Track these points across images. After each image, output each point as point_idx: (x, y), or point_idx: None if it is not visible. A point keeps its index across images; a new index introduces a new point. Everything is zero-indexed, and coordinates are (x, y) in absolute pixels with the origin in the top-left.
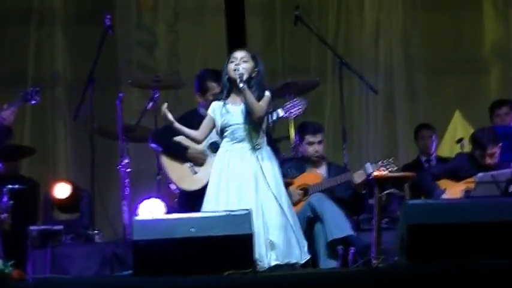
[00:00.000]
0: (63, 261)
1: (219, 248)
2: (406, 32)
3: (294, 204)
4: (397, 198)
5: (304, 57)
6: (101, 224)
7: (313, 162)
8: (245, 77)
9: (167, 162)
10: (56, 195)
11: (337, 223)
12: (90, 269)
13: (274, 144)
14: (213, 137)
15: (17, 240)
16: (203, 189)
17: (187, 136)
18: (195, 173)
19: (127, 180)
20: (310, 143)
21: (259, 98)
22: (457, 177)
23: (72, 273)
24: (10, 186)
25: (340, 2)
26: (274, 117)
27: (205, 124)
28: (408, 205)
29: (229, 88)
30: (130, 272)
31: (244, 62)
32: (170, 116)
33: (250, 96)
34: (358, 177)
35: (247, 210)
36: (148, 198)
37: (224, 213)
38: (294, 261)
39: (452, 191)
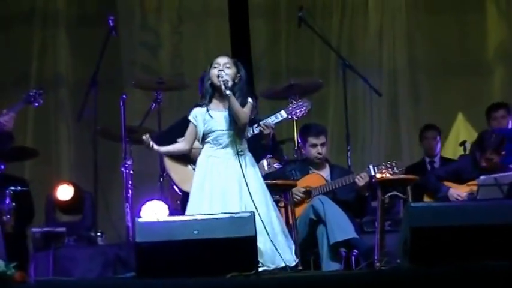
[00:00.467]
0: (66, 263)
1: (222, 250)
2: (409, 34)
3: (297, 205)
4: (400, 201)
5: (307, 59)
6: (103, 226)
7: (316, 164)
8: (230, 83)
9: (170, 164)
10: (58, 197)
11: (340, 225)
12: (93, 271)
13: (277, 146)
14: None
15: (16, 241)
16: None
17: (174, 152)
18: None
19: (130, 182)
20: (313, 145)
21: (242, 104)
22: (460, 179)
23: (75, 276)
24: (13, 188)
25: (344, 4)
26: (277, 119)
27: (189, 132)
28: (411, 207)
29: (212, 94)
30: (133, 274)
31: (227, 68)
32: (153, 144)
33: (236, 103)
34: (361, 179)
35: (250, 212)
36: (151, 200)
37: (227, 216)
38: (282, 265)
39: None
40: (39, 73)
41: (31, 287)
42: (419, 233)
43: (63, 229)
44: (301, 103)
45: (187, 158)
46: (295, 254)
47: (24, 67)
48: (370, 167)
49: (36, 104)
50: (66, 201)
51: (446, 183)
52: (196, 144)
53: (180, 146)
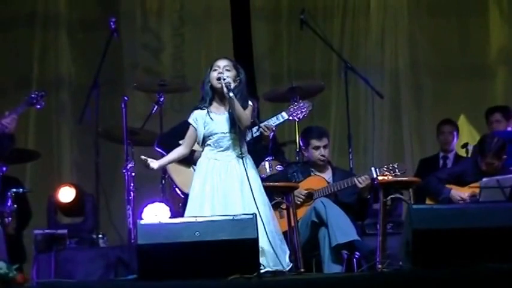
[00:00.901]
0: (68, 266)
1: (223, 253)
2: (411, 37)
3: (299, 207)
4: (402, 203)
5: (309, 61)
6: (105, 228)
7: (318, 166)
8: (232, 85)
9: (172, 167)
10: (60, 199)
11: (342, 228)
12: (95, 273)
13: (279, 149)
14: None
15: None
16: None
17: (175, 159)
18: None
19: (131, 184)
20: (316, 147)
21: (243, 107)
22: (461, 182)
23: (77, 278)
24: (14, 190)
25: (346, 6)
26: (279, 121)
27: (189, 135)
28: (413, 210)
29: (212, 96)
30: (134, 276)
31: (227, 70)
32: (150, 162)
33: (238, 105)
34: (363, 181)
35: (252, 214)
36: (153, 202)
37: (229, 218)
38: (280, 267)
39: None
40: (41, 75)
41: None
42: (421, 235)
43: (65, 231)
44: (302, 104)
45: (189, 160)
46: (289, 258)
47: (26, 69)
48: (372, 169)
49: (39, 106)
50: (68, 203)
51: (448, 186)
52: (198, 147)
53: (179, 150)
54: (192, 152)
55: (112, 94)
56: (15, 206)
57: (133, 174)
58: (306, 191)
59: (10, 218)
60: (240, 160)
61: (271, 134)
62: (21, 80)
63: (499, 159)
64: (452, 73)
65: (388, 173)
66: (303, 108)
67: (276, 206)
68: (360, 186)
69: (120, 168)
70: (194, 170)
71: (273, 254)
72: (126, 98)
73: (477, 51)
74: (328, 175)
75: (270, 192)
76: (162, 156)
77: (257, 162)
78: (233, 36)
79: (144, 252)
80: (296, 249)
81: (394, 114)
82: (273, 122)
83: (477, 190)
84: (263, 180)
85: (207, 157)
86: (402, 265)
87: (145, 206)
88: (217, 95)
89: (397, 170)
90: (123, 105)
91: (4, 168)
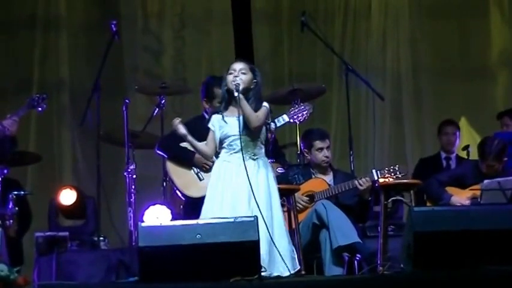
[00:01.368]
0: (69, 268)
1: (224, 255)
2: (412, 39)
3: (300, 211)
4: (403, 205)
5: (310, 64)
6: (106, 230)
7: (319, 168)
8: (241, 87)
9: (173, 169)
10: (61, 202)
11: (343, 230)
12: (96, 275)
13: (280, 151)
14: None
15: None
16: None
17: (199, 150)
18: (201, 179)
19: (133, 187)
20: (320, 149)
21: (256, 109)
22: (462, 184)
23: (78, 280)
24: (16, 192)
25: (347, 9)
26: (279, 123)
27: (210, 139)
28: (414, 212)
29: (228, 100)
30: (136, 278)
31: (243, 73)
32: (183, 130)
33: (246, 106)
34: (364, 183)
35: (253, 217)
36: (154, 204)
37: (230, 220)
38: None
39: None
40: (42, 78)
41: None
42: (422, 238)
43: (66, 234)
44: (302, 107)
45: (191, 164)
46: (298, 260)
47: (26, 72)
48: (373, 171)
49: (40, 109)
50: (69, 205)
51: (449, 189)
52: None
53: (206, 148)
54: (192, 154)
55: (113, 97)
56: (17, 208)
57: (134, 176)
58: (306, 197)
59: (11, 221)
60: (253, 162)
61: (272, 136)
62: (22, 83)
63: (499, 162)
64: (453, 75)
65: (389, 175)
66: (304, 111)
67: None
68: (361, 188)
69: (121, 170)
70: (195, 172)
71: (268, 259)
72: (127, 101)
73: (478, 54)
74: (329, 177)
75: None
76: (163, 159)
77: None
78: (234, 39)
79: (145, 254)
80: (297, 251)
81: (395, 116)
82: (274, 124)
83: (478, 193)
84: None
85: (222, 159)
86: (403, 267)
87: (147, 208)
88: (233, 98)
89: (398, 172)
90: (124, 108)
91: (5, 171)
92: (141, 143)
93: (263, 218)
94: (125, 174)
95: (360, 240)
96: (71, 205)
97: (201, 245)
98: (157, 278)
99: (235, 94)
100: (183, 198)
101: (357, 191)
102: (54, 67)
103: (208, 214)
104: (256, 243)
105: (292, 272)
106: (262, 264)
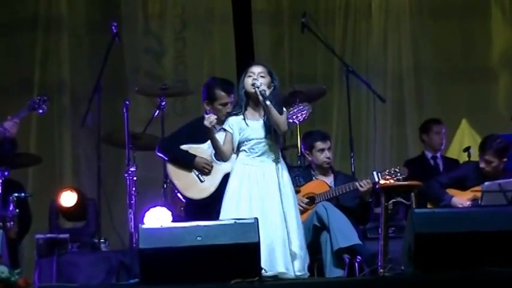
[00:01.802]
0: (70, 270)
1: (225, 257)
2: (414, 40)
3: (301, 213)
4: (403, 207)
5: (311, 65)
6: (107, 232)
7: (320, 170)
8: (268, 92)
9: (173, 171)
10: (62, 204)
11: (343, 232)
12: (97, 277)
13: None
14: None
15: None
16: (210, 197)
17: (219, 150)
18: (202, 181)
19: (133, 189)
20: (321, 150)
21: (278, 113)
22: (463, 186)
23: (79, 282)
24: (16, 194)
25: (348, 10)
26: None
27: (228, 141)
28: (415, 214)
29: (246, 103)
30: (136, 280)
31: (262, 77)
32: (212, 119)
33: (274, 111)
34: (364, 185)
35: (253, 218)
36: (155, 206)
37: (231, 222)
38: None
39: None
40: (43, 79)
41: None
42: (423, 239)
43: (66, 235)
44: (301, 107)
45: (191, 166)
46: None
47: (27, 73)
48: (374, 173)
49: (41, 111)
50: (70, 207)
51: (450, 191)
52: (203, 154)
53: (225, 149)
54: (193, 157)
55: (114, 98)
56: (17, 210)
57: (135, 178)
58: (306, 199)
59: (12, 223)
60: (275, 165)
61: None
62: (23, 84)
63: (499, 159)
64: (454, 76)
65: (389, 177)
66: (303, 111)
67: None
68: (362, 190)
69: (122, 172)
70: (195, 174)
71: (305, 258)
72: (127, 102)
73: (480, 54)
74: (330, 179)
75: None
76: (164, 161)
77: None
78: (235, 40)
79: (146, 256)
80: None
81: (396, 118)
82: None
83: (478, 195)
84: None
85: (243, 163)
86: (404, 269)
87: (147, 210)
88: (251, 101)
89: (398, 174)
90: (124, 110)
91: (6, 173)
92: (141, 145)
93: (285, 221)
94: (126, 175)
95: (360, 242)
96: (72, 207)
97: (201, 247)
98: (158, 280)
99: (267, 103)
100: (184, 200)
101: (357, 192)
102: (55, 68)
103: (232, 214)
104: (256, 245)
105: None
106: (300, 264)
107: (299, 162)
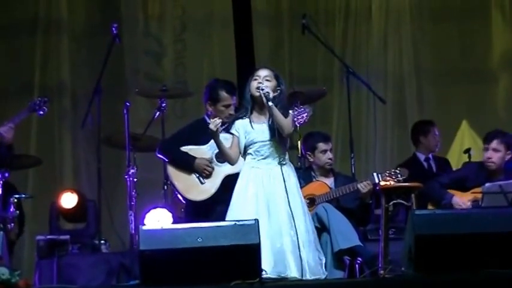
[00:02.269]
0: (70, 271)
1: (225, 258)
2: (414, 41)
3: None
4: (404, 209)
5: (311, 66)
6: (107, 233)
7: (321, 171)
8: (271, 95)
9: (174, 173)
10: (62, 205)
11: (344, 233)
12: (97, 278)
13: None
14: None
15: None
16: (210, 199)
17: (225, 154)
18: (202, 183)
19: (134, 190)
20: (324, 151)
21: (283, 116)
22: (464, 187)
23: (79, 283)
24: (17, 195)
25: (348, 11)
26: None
27: (235, 144)
28: (415, 215)
29: (252, 106)
30: (137, 282)
31: (267, 80)
32: (216, 124)
33: (279, 114)
34: (365, 186)
35: (254, 220)
36: (155, 208)
37: (231, 223)
38: (320, 277)
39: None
40: (43, 81)
41: None
42: (423, 241)
43: (67, 237)
44: (302, 109)
45: (192, 167)
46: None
47: (28, 75)
48: (374, 174)
49: (41, 112)
50: (70, 209)
51: (451, 191)
52: (203, 156)
53: (231, 152)
54: (193, 159)
55: (114, 100)
56: (17, 212)
57: (135, 180)
58: (307, 200)
59: (12, 224)
60: (281, 167)
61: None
62: (23, 86)
63: (505, 148)
64: (454, 78)
65: (390, 179)
66: (304, 113)
67: None
68: (362, 191)
69: (122, 174)
70: (196, 176)
71: (314, 263)
72: (128, 104)
73: (479, 56)
74: (330, 180)
75: None
76: (164, 162)
77: None
78: (235, 41)
79: (146, 258)
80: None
81: (396, 119)
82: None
83: (479, 195)
84: None
85: (250, 166)
86: (404, 271)
87: (148, 211)
88: (257, 105)
89: (399, 176)
90: (125, 111)
91: (6, 174)
92: (142, 146)
93: (305, 222)
94: (126, 177)
95: (361, 244)
96: (72, 208)
97: (202, 248)
98: (158, 282)
99: (270, 104)
100: (184, 202)
101: (358, 194)
102: (56, 70)
103: (238, 216)
104: (257, 247)
105: (324, 276)
106: (309, 270)
107: (299, 163)
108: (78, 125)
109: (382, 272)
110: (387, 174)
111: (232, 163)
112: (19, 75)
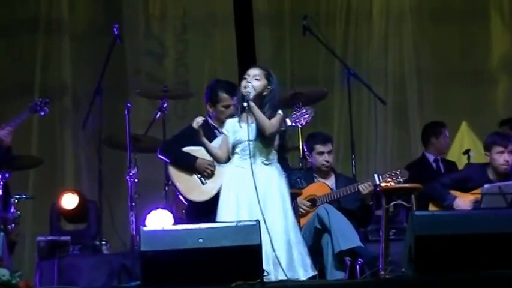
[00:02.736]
0: (71, 272)
1: (227, 259)
2: (414, 43)
3: (302, 215)
4: (404, 209)
5: (312, 68)
6: (108, 234)
7: (321, 172)
8: (252, 95)
9: (175, 173)
10: (63, 206)
11: (344, 234)
12: (98, 280)
13: (282, 155)
14: None
15: None
16: (211, 200)
17: (212, 153)
18: (204, 184)
19: (135, 191)
20: (320, 153)
21: (271, 116)
22: (465, 188)
23: (80, 285)
24: (17, 196)
25: (349, 12)
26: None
27: (224, 143)
28: (416, 216)
29: (242, 105)
30: (138, 283)
31: (256, 79)
32: (201, 130)
33: (258, 113)
34: (366, 188)
35: (255, 221)
36: (156, 208)
37: (232, 224)
38: (297, 277)
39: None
40: (44, 82)
41: None
42: (423, 242)
43: (67, 238)
44: (304, 111)
45: (193, 168)
46: (313, 268)
47: (29, 76)
48: (375, 175)
49: (42, 113)
50: (71, 210)
51: (452, 192)
52: (204, 157)
53: (219, 152)
54: (194, 159)
55: (115, 100)
56: (19, 212)
57: (136, 180)
58: (308, 202)
59: (13, 225)
60: (265, 167)
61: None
62: (24, 86)
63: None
64: (454, 79)
65: (390, 180)
66: (306, 115)
67: None
68: (363, 192)
69: (123, 174)
70: (198, 177)
71: (287, 263)
72: (129, 105)
73: (479, 58)
74: (331, 181)
75: None
76: (166, 163)
77: None
78: (236, 42)
79: (147, 258)
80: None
81: (397, 120)
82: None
83: (479, 197)
84: None
85: (234, 164)
86: (405, 271)
87: (149, 212)
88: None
89: (399, 177)
90: (126, 112)
91: (7, 175)
92: (143, 147)
93: (285, 222)
94: (127, 178)
95: (361, 245)
96: (73, 209)
97: (203, 249)
98: (160, 283)
99: (244, 104)
100: (186, 203)
101: (358, 195)
102: (57, 70)
103: (226, 218)
104: (258, 247)
105: (310, 275)
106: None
107: (300, 164)
108: (79, 126)
109: (382, 272)
110: (388, 176)
111: (219, 162)
112: (20, 76)
